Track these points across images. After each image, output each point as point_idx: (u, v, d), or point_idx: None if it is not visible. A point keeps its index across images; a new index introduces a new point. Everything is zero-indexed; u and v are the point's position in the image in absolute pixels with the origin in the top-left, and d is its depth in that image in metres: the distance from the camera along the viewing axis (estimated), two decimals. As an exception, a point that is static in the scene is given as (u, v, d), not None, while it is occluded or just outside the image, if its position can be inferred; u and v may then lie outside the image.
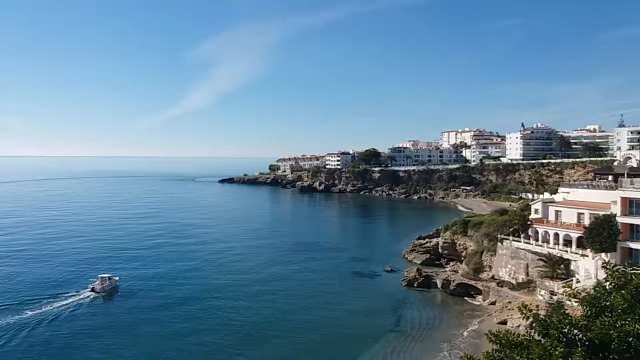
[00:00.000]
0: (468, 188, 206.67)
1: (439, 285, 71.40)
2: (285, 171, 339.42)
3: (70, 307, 62.13)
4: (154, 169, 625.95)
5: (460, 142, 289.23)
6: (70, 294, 66.97)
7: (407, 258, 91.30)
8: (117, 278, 72.99)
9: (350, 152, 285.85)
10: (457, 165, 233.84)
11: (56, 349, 49.86)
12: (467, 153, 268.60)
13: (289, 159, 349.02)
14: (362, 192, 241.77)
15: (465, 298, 67.43)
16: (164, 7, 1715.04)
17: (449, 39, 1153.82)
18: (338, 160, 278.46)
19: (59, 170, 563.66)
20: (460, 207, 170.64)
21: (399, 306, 64.57)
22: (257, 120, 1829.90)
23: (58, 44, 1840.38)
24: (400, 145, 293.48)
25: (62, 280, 75.37)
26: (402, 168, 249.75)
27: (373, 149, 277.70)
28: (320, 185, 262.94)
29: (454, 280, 70.69)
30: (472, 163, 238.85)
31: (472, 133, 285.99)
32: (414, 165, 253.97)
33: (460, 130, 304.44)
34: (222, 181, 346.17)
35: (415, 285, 72.84)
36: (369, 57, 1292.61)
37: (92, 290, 67.96)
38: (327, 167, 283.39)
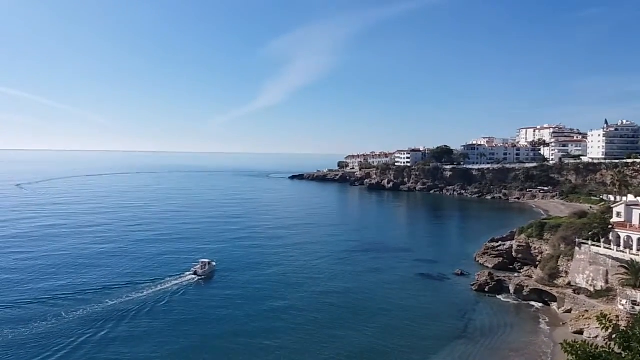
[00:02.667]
0: (545, 189, 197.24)
1: (512, 291, 69.21)
2: (353, 168, 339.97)
3: (180, 286, 71.07)
4: (230, 164, 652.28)
5: (539, 140, 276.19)
6: (179, 275, 76.01)
7: (478, 261, 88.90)
8: (215, 263, 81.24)
9: (421, 149, 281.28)
10: (534, 164, 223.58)
11: (173, 321, 57.58)
12: (545, 151, 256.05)
13: (358, 156, 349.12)
14: (432, 191, 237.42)
15: (539, 305, 64.95)
16: (239, 7, 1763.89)
17: (528, 30, 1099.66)
18: (408, 158, 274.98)
19: (148, 164, 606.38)
20: (536, 209, 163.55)
21: (468, 311, 63.07)
22: (328, 116, 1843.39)
23: (148, 46, 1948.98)
24: (474, 143, 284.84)
25: (172, 263, 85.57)
26: (476, 166, 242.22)
27: (445, 146, 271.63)
28: (388, 183, 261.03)
29: (527, 286, 68.32)
30: (551, 162, 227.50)
31: (552, 130, 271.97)
32: (488, 163, 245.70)
33: (538, 127, 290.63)
34: (293, 177, 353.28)
35: (486, 289, 70.88)
36: (445, 51, 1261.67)
37: (195, 273, 75.98)
38: (396, 164, 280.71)
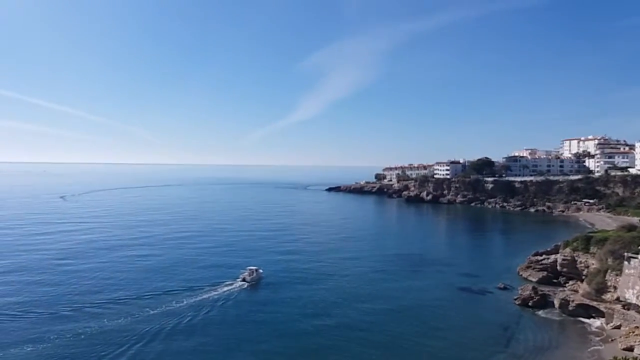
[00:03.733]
0: (591, 201, 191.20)
1: (557, 305, 67.67)
2: (391, 180, 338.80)
3: (231, 292, 75.15)
4: (269, 176, 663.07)
5: (583, 152, 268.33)
6: (229, 282, 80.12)
7: (521, 275, 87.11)
8: (262, 271, 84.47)
9: (461, 161, 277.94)
10: (579, 176, 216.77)
11: (227, 325, 60.84)
12: (590, 163, 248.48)
13: (396, 168, 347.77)
14: (472, 204, 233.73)
15: (585, 320, 63.30)
16: (275, 22, 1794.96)
17: (568, 41, 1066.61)
18: (447, 170, 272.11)
19: (191, 177, 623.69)
20: (582, 222, 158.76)
21: (511, 326, 61.85)
22: (364, 129, 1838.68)
23: (189, 64, 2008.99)
24: (516, 154, 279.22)
25: (223, 270, 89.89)
26: (518, 178, 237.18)
27: (486, 157, 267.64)
28: (427, 195, 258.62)
29: (573, 301, 66.67)
30: (596, 174, 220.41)
31: (597, 141, 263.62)
32: (531, 175, 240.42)
33: (583, 139, 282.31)
34: (329, 189, 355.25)
35: (530, 304, 69.46)
36: (481, 62, 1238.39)
37: (243, 279, 79.97)
38: (435, 176, 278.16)
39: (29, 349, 50.87)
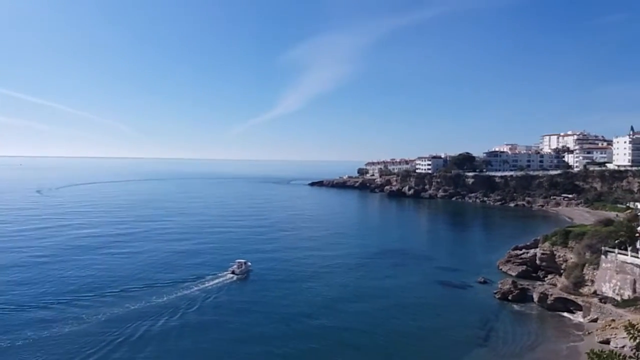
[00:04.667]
0: (570, 196, 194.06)
1: (536, 299, 68.27)
2: (373, 175, 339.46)
3: (220, 284, 75.89)
4: (251, 171, 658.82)
5: (562, 147, 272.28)
6: (218, 274, 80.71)
7: (501, 269, 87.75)
8: (250, 263, 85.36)
9: (442, 156, 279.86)
10: (558, 171, 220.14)
11: (216, 317, 61.17)
12: (569, 158, 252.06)
13: (378, 163, 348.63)
14: (454, 198, 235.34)
15: (563, 314, 63.98)
16: (255, 15, 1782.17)
17: (550, 37, 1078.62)
18: (429, 165, 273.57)
19: (172, 171, 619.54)
20: (561, 217, 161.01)
21: (490, 319, 62.33)
22: (346, 123, 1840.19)
23: (167, 56, 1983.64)
24: (497, 150, 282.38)
25: (211, 262, 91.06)
26: (499, 173, 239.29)
27: (467, 153, 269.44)
28: (409, 190, 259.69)
29: (552, 295, 67.34)
30: (575, 169, 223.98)
31: (576, 137, 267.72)
32: (511, 170, 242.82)
33: (562, 134, 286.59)
34: (312, 184, 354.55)
35: (509, 298, 69.93)
36: (462, 58, 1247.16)
37: (232, 272, 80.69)
38: (417, 171, 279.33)
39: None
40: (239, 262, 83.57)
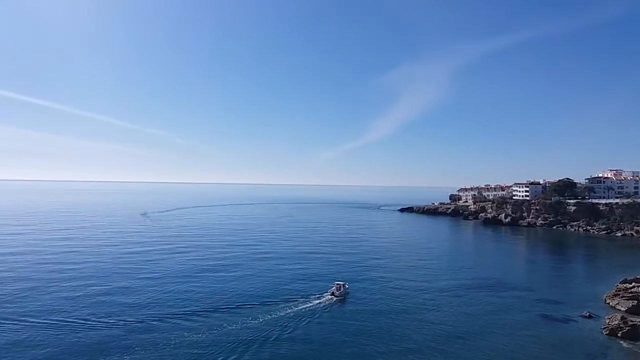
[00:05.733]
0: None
1: (648, 336, 65.01)
2: (467, 201, 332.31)
3: (322, 305, 79.70)
4: (340, 196, 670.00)
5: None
6: (318, 296, 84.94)
7: (608, 303, 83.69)
8: (348, 286, 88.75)
9: (541, 182, 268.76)
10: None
11: (321, 334, 64.94)
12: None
13: (471, 189, 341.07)
14: (554, 227, 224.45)
15: (680, 352, 60.48)
16: (346, 42, 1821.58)
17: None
18: (527, 191, 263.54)
19: (265, 196, 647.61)
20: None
21: (598, 357, 59.61)
22: (436, 149, 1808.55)
23: (262, 87, 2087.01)
24: (600, 175, 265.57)
25: (311, 284, 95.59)
26: (603, 201, 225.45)
27: (567, 179, 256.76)
28: (506, 217, 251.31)
29: (666, 332, 63.89)
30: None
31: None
32: (616, 197, 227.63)
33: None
34: (402, 210, 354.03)
35: (619, 334, 66.61)
36: (558, 80, 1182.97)
37: (332, 294, 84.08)
38: (513, 198, 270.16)
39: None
40: (337, 284, 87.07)
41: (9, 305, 75.65)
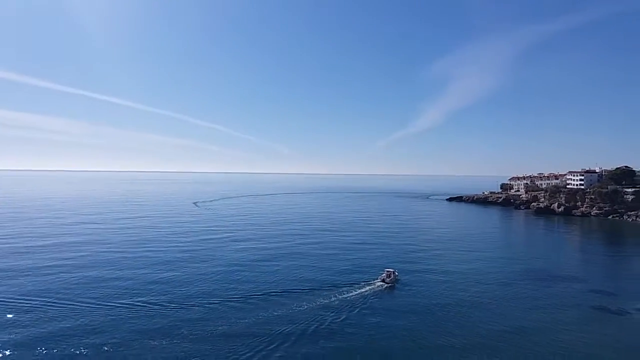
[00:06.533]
0: None
1: None
2: (518, 190, 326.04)
3: (373, 291, 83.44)
4: (391, 186, 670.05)
5: None
6: (369, 282, 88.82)
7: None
8: (397, 273, 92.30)
9: (597, 171, 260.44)
10: None
11: (374, 319, 68.61)
12: None
13: (523, 178, 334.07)
14: (610, 217, 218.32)
15: None
16: (396, 30, 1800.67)
17: None
18: (581, 180, 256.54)
19: (318, 186, 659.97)
20: None
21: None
22: (487, 137, 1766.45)
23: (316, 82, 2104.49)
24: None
25: (363, 271, 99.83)
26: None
27: (625, 166, 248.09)
28: (559, 207, 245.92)
29: None
30: None
31: None
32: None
33: None
34: (450, 199, 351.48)
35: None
36: (618, 63, 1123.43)
37: (383, 281, 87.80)
38: (567, 187, 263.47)
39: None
40: (387, 271, 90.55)
41: (93, 289, 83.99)
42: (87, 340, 57.59)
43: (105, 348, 55.37)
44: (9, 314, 67.91)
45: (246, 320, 66.41)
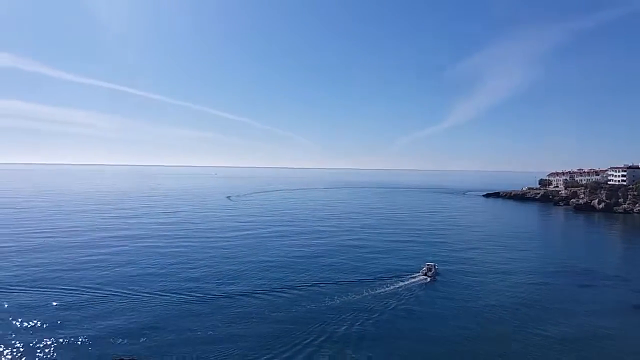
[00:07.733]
0: None
1: None
2: (557, 186, 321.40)
3: (416, 284, 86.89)
4: (422, 181, 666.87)
5: None
6: (411, 275, 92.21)
7: None
8: (437, 267, 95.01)
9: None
10: None
11: (420, 309, 72.03)
12: None
13: (563, 173, 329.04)
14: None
15: None
16: (427, 27, 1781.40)
17: None
18: (624, 176, 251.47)
19: (343, 180, 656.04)
20: None
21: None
22: (521, 133, 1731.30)
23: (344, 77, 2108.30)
24: None
25: (405, 264, 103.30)
26: None
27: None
28: (599, 203, 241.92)
29: None
30: None
31: None
32: None
33: None
34: (487, 195, 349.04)
35: None
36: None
37: (424, 274, 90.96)
38: (609, 183, 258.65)
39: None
40: (428, 265, 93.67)
41: (139, 281, 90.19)
42: (153, 332, 63.30)
43: (179, 337, 60.86)
44: (86, 303, 74.30)
45: (299, 309, 70.75)
